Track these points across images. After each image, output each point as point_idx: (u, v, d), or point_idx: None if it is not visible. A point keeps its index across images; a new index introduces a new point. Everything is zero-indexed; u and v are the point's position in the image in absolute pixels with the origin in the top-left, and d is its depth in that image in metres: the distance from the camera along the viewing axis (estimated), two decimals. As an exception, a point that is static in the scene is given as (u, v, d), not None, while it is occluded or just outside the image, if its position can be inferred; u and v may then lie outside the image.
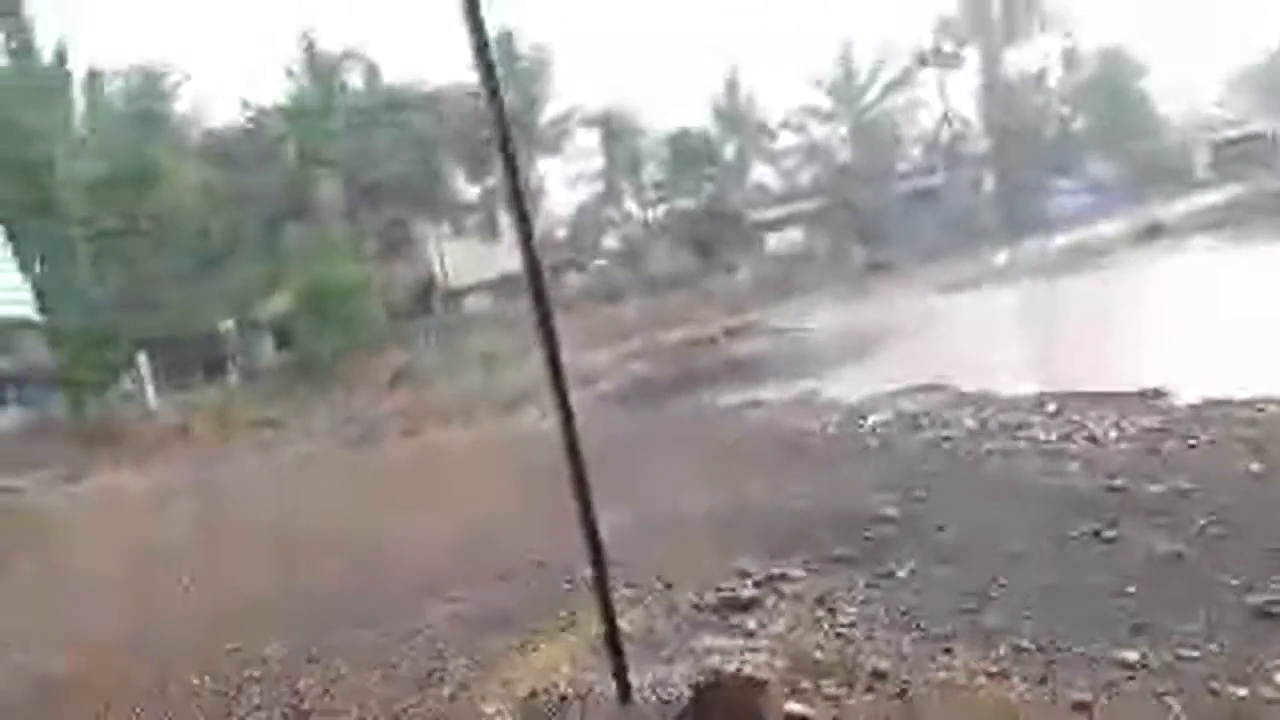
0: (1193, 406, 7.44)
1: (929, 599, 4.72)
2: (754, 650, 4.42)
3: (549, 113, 40.79)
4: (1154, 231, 24.64)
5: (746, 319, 23.41)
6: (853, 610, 4.77)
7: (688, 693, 3.93)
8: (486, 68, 3.84)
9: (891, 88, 45.05)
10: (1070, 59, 44.18)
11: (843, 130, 45.69)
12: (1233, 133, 47.03)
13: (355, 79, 37.04)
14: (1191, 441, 6.52)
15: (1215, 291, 14.44)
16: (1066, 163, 43.34)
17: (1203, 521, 4.99)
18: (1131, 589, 4.35)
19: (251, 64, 59.08)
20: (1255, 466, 5.77)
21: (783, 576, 5.41)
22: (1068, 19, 42.96)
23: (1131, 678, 3.58)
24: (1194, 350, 10.18)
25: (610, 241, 42.55)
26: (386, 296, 32.34)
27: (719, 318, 24.17)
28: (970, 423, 8.52)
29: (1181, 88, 48.63)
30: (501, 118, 3.80)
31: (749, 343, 20.34)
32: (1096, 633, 3.97)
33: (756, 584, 5.37)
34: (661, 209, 40.99)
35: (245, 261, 30.01)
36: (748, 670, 3.99)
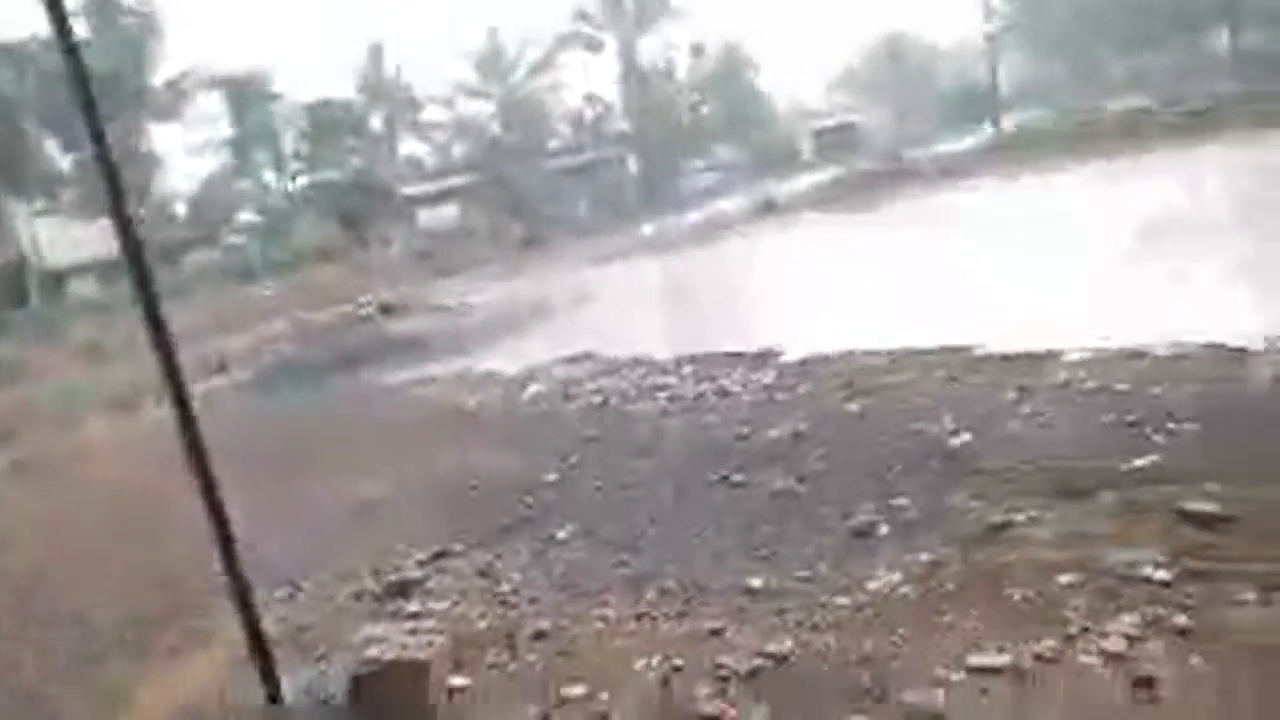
0: (801, 361, 8.47)
1: (585, 557, 4.93)
2: (417, 632, 4.31)
3: (163, 74, 36.38)
4: (770, 207, 27.68)
5: (402, 295, 22.76)
6: (515, 577, 4.84)
7: (345, 687, 3.74)
8: (59, 18, 3.29)
9: (538, 68, 46.03)
10: (697, 51, 48.10)
11: (491, 108, 45.91)
12: (830, 122, 54.21)
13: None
14: (801, 390, 7.42)
15: (816, 259, 16.57)
16: (697, 145, 47.24)
17: (811, 459, 5.70)
18: (757, 524, 4.85)
19: None
20: (852, 407, 6.70)
21: (445, 554, 5.35)
22: (693, 13, 46.67)
23: (757, 602, 4.00)
24: (801, 311, 11.62)
25: (247, 215, 39.09)
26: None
27: (373, 294, 23.24)
28: (620, 386, 9.00)
29: (788, 83, 55.03)
30: (81, 75, 3.27)
31: (406, 320, 19.80)
32: (728, 567, 4.39)
33: (419, 564, 5.27)
34: (304, 181, 38.38)
35: None
36: (409, 654, 3.89)
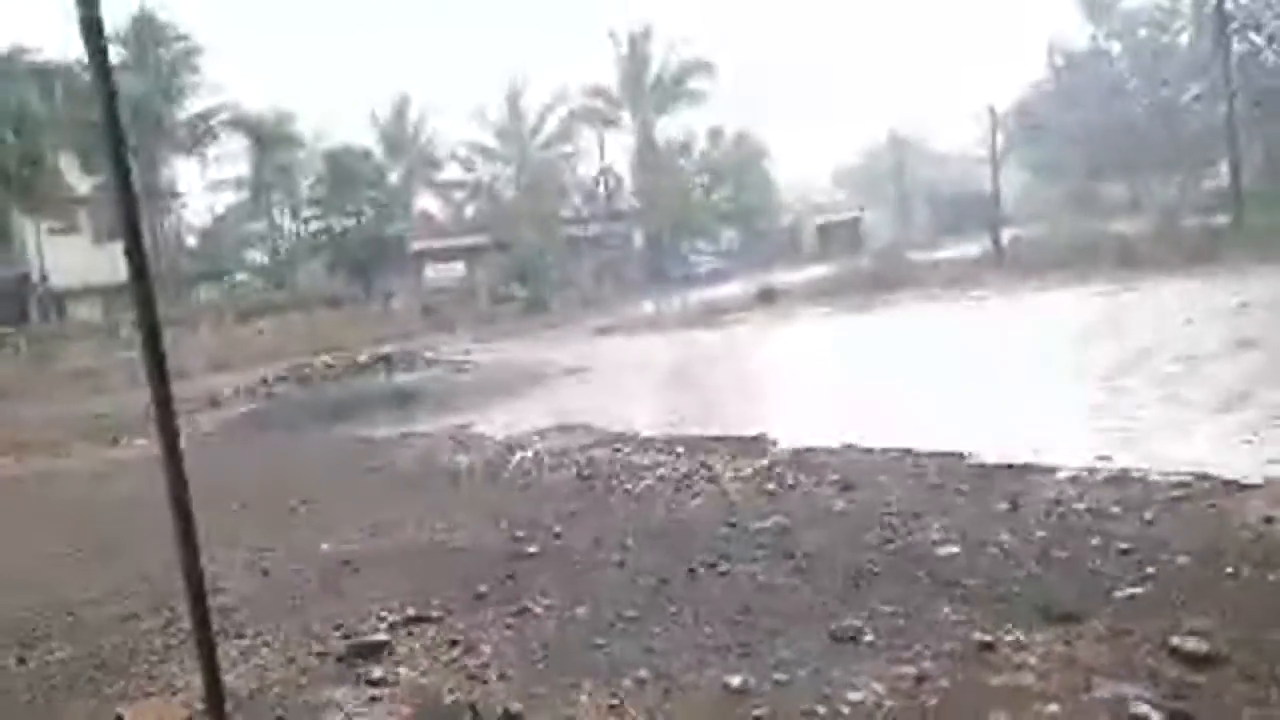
0: (793, 451, 8.43)
1: (563, 635, 4.80)
2: (379, 700, 4.19)
3: (192, 108, 37.09)
4: (770, 296, 27.99)
5: (402, 348, 22.79)
6: (487, 650, 4.71)
7: (300, 752, 3.61)
8: (96, 42, 3.33)
9: (556, 138, 47.05)
10: (714, 135, 49.27)
11: (509, 171, 46.77)
12: (834, 217, 55.25)
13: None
14: (790, 482, 7.36)
15: (814, 351, 16.67)
16: (705, 227, 48.01)
17: (797, 554, 5.62)
18: (738, 618, 4.75)
19: None
20: (840, 505, 6.64)
21: (418, 619, 5.22)
22: (711, 100, 47.91)
23: (734, 703, 3.88)
24: (796, 401, 11.63)
25: (257, 255, 39.41)
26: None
27: (373, 344, 23.28)
28: (610, 460, 8.94)
29: (795, 173, 56.35)
30: (111, 102, 3.30)
31: (403, 373, 19.78)
32: (707, 660, 4.27)
33: (390, 627, 5.13)
34: (316, 226, 38.79)
35: None
36: (371, 722, 3.76)
